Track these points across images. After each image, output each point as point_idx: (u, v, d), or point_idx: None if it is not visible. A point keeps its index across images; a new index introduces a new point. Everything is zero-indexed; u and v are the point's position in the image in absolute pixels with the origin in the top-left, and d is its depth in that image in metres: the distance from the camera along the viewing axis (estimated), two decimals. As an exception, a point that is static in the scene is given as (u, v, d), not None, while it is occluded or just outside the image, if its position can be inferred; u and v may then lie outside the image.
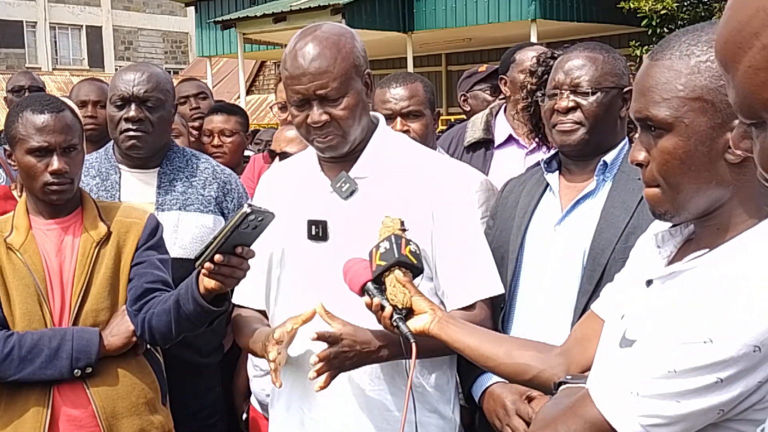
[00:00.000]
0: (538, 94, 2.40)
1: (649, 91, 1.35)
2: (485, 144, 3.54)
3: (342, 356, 1.96)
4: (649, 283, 1.42)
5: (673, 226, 1.46)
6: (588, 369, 1.58)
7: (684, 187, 1.35)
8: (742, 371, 1.20)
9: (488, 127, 3.57)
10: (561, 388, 1.55)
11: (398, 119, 2.78)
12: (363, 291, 1.86)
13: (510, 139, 3.55)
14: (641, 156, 1.38)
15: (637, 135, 1.43)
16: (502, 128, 3.56)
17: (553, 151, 2.33)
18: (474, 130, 3.59)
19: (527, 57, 3.59)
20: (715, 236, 1.36)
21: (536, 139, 2.60)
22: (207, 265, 2.00)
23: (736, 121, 1.27)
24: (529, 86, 2.59)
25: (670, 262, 1.43)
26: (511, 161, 3.46)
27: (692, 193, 1.35)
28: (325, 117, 2.04)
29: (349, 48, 2.07)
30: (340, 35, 2.08)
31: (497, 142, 3.54)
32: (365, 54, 2.13)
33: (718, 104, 1.30)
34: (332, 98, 2.03)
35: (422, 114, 2.83)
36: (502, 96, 4.27)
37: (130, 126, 2.74)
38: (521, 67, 3.59)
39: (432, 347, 1.91)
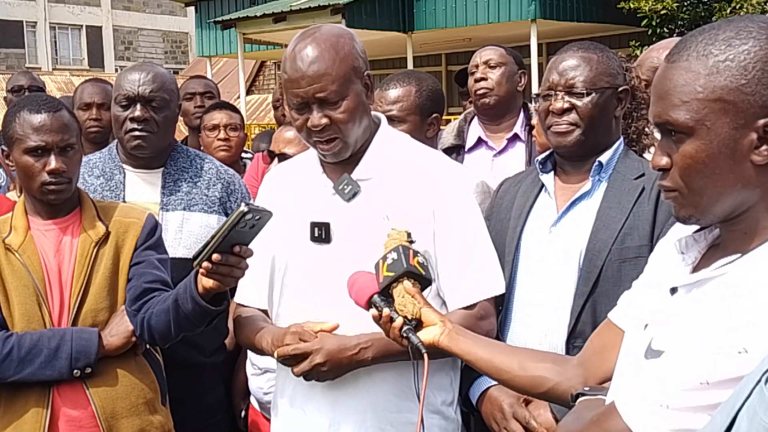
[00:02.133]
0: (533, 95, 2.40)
1: (668, 94, 1.31)
2: (456, 149, 3.56)
3: (316, 369, 2.03)
4: (673, 291, 1.37)
5: (697, 230, 1.42)
6: (606, 380, 1.53)
7: (708, 191, 1.30)
8: None
9: (460, 133, 3.60)
10: (579, 400, 1.51)
11: None
12: (369, 304, 1.83)
13: (479, 142, 3.58)
14: (663, 161, 1.34)
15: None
16: (474, 132, 3.60)
17: (547, 152, 2.33)
18: (446, 136, 3.62)
19: (473, 58, 3.66)
20: (743, 241, 1.31)
21: None
22: (205, 264, 2.00)
23: (761, 121, 1.22)
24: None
25: (695, 269, 1.38)
26: (480, 164, 3.48)
27: (717, 197, 1.30)
28: (324, 120, 2.03)
29: (348, 50, 2.06)
30: (339, 37, 2.08)
31: (468, 146, 3.57)
32: (365, 55, 2.12)
33: (739, 104, 1.25)
34: (331, 101, 2.03)
35: (403, 120, 2.83)
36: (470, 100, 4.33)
37: (135, 126, 2.74)
38: (469, 68, 3.66)
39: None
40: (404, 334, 1.77)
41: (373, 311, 1.82)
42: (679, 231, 1.45)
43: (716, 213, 1.32)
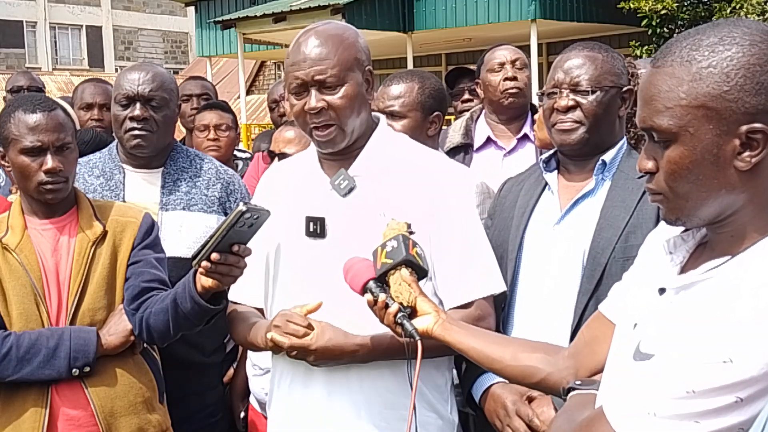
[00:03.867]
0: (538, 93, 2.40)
1: (652, 100, 1.32)
2: (464, 148, 3.55)
3: (308, 361, 2.05)
4: (662, 291, 1.38)
5: (685, 230, 1.43)
6: (597, 372, 1.54)
7: (692, 196, 1.31)
8: (762, 390, 1.17)
9: (467, 132, 3.59)
10: (571, 395, 1.52)
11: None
12: (364, 290, 1.84)
13: (488, 142, 3.57)
14: (649, 165, 1.36)
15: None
16: (481, 131, 3.59)
17: (551, 151, 2.33)
18: (453, 135, 3.61)
19: (495, 56, 3.63)
20: (730, 244, 1.32)
21: None
22: (204, 263, 2.00)
23: (744, 127, 1.23)
24: None
25: (683, 269, 1.40)
26: (490, 163, 3.48)
27: (701, 201, 1.31)
28: (321, 103, 2.04)
29: (352, 42, 2.09)
30: (345, 30, 2.12)
31: (476, 145, 3.56)
32: (368, 52, 2.14)
33: (722, 111, 1.26)
34: (330, 85, 2.05)
35: (404, 116, 2.82)
36: (465, 99, 4.30)
37: (135, 125, 2.74)
38: (489, 66, 3.63)
39: (432, 347, 1.90)
40: (399, 321, 1.79)
41: (368, 297, 1.83)
42: (668, 229, 1.46)
43: (701, 217, 1.34)
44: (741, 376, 1.17)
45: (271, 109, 4.74)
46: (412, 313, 1.80)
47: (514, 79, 3.55)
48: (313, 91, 2.05)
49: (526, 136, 3.55)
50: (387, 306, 1.80)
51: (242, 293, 2.26)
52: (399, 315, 1.79)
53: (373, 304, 1.83)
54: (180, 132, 4.97)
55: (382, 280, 1.82)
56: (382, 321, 1.83)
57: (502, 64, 3.60)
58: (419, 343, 1.75)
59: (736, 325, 1.18)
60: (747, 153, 1.26)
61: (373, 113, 2.22)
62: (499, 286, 2.14)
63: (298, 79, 2.06)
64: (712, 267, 1.30)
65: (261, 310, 2.27)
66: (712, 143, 1.27)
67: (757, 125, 1.25)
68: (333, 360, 2.05)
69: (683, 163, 1.29)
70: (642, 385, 1.28)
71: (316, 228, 2.11)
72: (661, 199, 1.36)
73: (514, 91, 3.53)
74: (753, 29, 1.28)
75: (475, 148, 3.57)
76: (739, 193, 1.29)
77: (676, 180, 1.31)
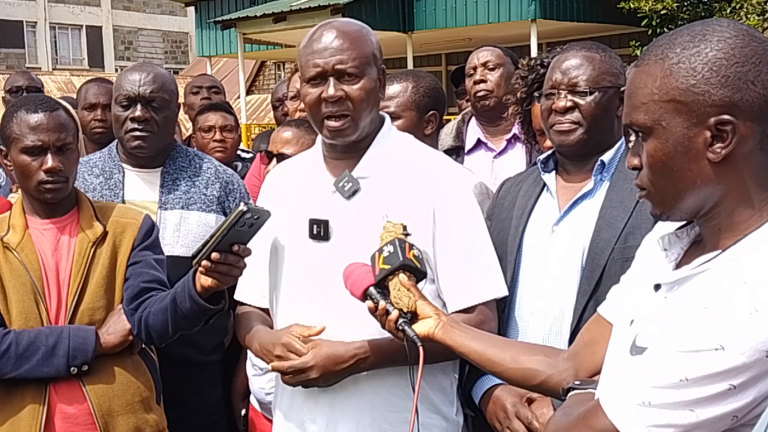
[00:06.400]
0: (535, 95, 2.39)
1: (631, 97, 1.38)
2: (456, 151, 3.55)
3: (310, 383, 2.06)
4: (657, 287, 1.41)
5: (680, 228, 1.45)
6: (597, 373, 1.56)
7: (670, 189, 1.36)
8: (755, 377, 1.19)
9: (459, 135, 3.60)
10: (570, 394, 1.53)
11: None
12: (365, 296, 1.84)
13: (479, 144, 3.57)
14: (635, 161, 1.40)
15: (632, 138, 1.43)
16: (472, 133, 3.59)
17: (549, 151, 2.32)
18: (445, 137, 3.61)
19: (470, 60, 3.66)
20: (719, 238, 1.35)
21: (529, 141, 2.61)
22: (204, 263, 2.01)
23: (712, 119, 1.28)
24: (519, 94, 2.59)
25: (678, 266, 1.42)
26: (480, 165, 3.48)
27: (679, 194, 1.35)
28: (340, 92, 2.05)
29: (369, 39, 2.11)
30: (361, 27, 2.14)
31: (467, 147, 3.56)
32: (381, 52, 2.15)
33: (691, 104, 1.30)
34: (350, 75, 2.05)
35: (399, 116, 2.83)
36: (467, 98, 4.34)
37: (135, 126, 2.76)
38: (466, 70, 3.66)
39: (435, 352, 1.91)
40: (400, 327, 1.79)
41: (369, 303, 1.83)
42: (663, 228, 1.49)
43: (683, 210, 1.38)
44: (733, 363, 1.19)
45: (275, 108, 4.76)
46: (413, 317, 1.80)
47: (482, 81, 3.56)
48: (332, 80, 2.05)
49: (516, 137, 3.55)
50: (388, 312, 1.80)
51: (248, 294, 2.27)
52: (400, 321, 1.79)
53: (374, 311, 1.83)
54: (185, 130, 5.00)
55: (382, 286, 1.82)
56: (383, 327, 1.84)
57: (474, 68, 3.61)
58: (421, 348, 1.75)
59: (728, 313, 1.20)
60: (718, 145, 1.30)
61: (379, 113, 2.21)
62: (501, 291, 2.13)
63: (318, 67, 2.05)
64: (703, 261, 1.33)
65: (267, 311, 2.27)
66: (683, 136, 1.32)
67: (725, 117, 1.29)
68: (335, 373, 2.04)
69: (658, 156, 1.34)
70: (637, 376, 1.30)
71: (320, 230, 2.11)
72: (646, 194, 1.40)
73: (481, 93, 3.55)
74: (724, 27, 1.33)
75: (465, 151, 3.57)
76: (715, 185, 1.33)
77: (655, 173, 1.36)
